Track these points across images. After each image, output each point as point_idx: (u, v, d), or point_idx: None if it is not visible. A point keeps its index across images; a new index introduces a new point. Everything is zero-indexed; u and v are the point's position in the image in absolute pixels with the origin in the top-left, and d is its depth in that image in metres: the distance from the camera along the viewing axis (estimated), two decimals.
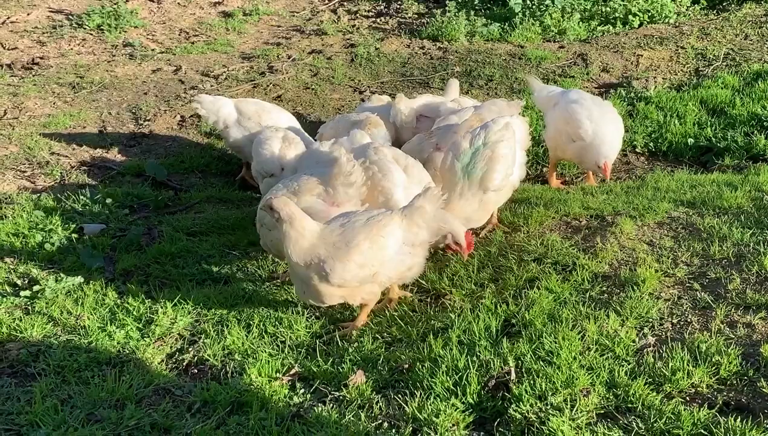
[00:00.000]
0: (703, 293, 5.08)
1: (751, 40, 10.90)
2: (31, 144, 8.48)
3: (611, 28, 12.04)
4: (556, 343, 4.61)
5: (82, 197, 7.26)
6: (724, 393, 4.18)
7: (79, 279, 5.83)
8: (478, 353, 4.61)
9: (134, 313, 5.40)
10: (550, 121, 7.50)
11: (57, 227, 6.56)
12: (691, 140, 8.28)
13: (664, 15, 12.14)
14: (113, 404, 4.47)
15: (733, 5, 12.44)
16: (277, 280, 5.91)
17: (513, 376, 4.40)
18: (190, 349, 5.08)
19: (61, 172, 8.02)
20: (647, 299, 5.03)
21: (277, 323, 5.25)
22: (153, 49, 11.84)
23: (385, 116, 7.45)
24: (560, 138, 7.27)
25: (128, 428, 4.26)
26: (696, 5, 12.68)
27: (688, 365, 4.34)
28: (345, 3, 14.04)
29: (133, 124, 9.34)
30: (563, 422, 3.98)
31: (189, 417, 4.37)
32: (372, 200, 5.61)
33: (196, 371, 4.89)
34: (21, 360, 4.92)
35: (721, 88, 9.18)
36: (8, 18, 12.72)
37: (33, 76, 10.59)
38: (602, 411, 4.13)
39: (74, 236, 6.48)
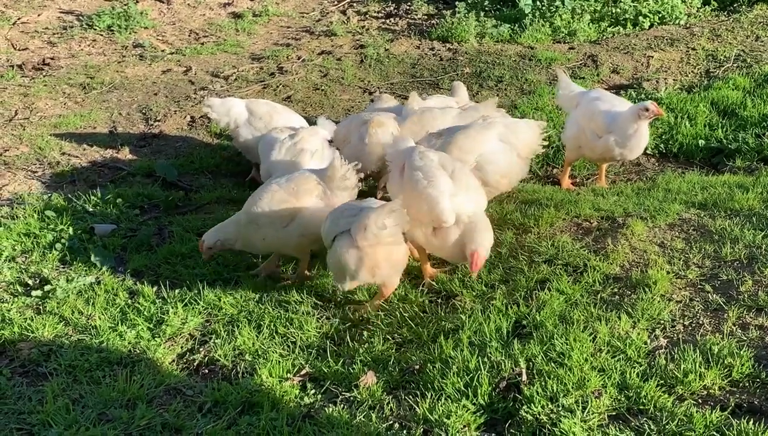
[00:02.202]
0: (714, 295, 5.07)
1: (762, 41, 10.85)
2: (41, 144, 8.51)
3: (621, 29, 12.00)
4: (567, 344, 4.61)
5: (92, 197, 7.27)
6: (737, 395, 4.18)
7: (90, 279, 5.85)
8: (489, 354, 4.60)
9: (145, 313, 5.42)
10: (571, 122, 7.47)
11: (68, 227, 6.57)
12: (701, 142, 8.24)
13: (674, 16, 12.10)
14: (124, 404, 4.49)
15: (744, 6, 12.38)
16: (287, 281, 5.91)
17: (524, 377, 4.40)
18: (200, 349, 5.09)
19: (71, 173, 8.03)
20: (659, 301, 5.01)
21: (287, 323, 5.25)
22: (163, 50, 11.86)
23: (398, 117, 7.44)
24: (584, 136, 7.25)
25: (139, 428, 4.28)
26: (707, 6, 12.63)
27: (700, 367, 4.34)
28: (354, 4, 14.04)
29: (143, 124, 9.36)
30: (575, 423, 3.98)
31: (200, 417, 4.39)
32: (417, 209, 5.31)
33: (206, 371, 4.90)
34: (32, 360, 4.94)
35: (732, 90, 9.14)
36: (19, 19, 12.76)
37: (43, 76, 10.62)
38: (614, 413, 4.13)
39: (85, 236, 6.49)
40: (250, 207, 5.80)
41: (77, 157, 8.41)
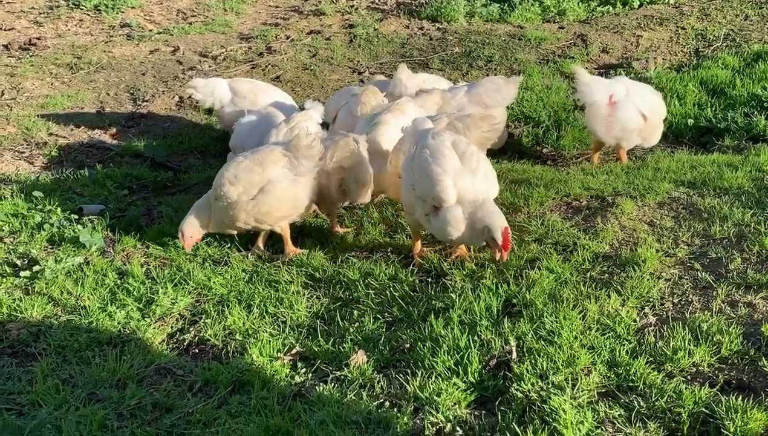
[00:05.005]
0: (704, 273, 5.09)
1: (752, 20, 10.85)
2: (29, 125, 8.45)
3: (611, 8, 11.98)
4: (557, 322, 4.62)
5: (80, 178, 7.24)
6: (726, 372, 4.20)
7: (79, 260, 5.82)
8: (480, 333, 4.61)
9: (134, 293, 5.40)
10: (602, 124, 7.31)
11: (56, 207, 6.54)
12: (691, 121, 8.26)
13: None
14: (114, 384, 4.49)
15: None
16: (277, 261, 5.89)
17: (514, 355, 4.41)
18: (190, 329, 5.08)
19: (59, 153, 7.99)
20: (648, 279, 5.03)
21: (277, 303, 5.24)
22: (150, 30, 11.77)
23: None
24: (632, 133, 7.26)
25: (130, 408, 4.27)
26: None
27: (689, 345, 4.35)
28: None
29: (131, 104, 9.30)
30: (564, 400, 3.98)
31: (191, 396, 4.38)
32: (422, 187, 5.35)
33: (197, 350, 4.90)
34: (21, 340, 4.92)
35: (722, 69, 9.14)
36: None
37: (30, 56, 10.53)
38: (603, 390, 4.14)
39: (73, 216, 6.45)
40: (217, 181, 5.85)
41: (65, 137, 8.37)
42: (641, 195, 6.14)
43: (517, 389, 4.13)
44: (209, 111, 8.89)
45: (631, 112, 7.18)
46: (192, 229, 5.85)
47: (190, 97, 9.25)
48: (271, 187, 5.75)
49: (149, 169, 7.72)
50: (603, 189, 6.34)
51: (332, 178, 6.02)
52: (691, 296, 4.89)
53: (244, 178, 5.74)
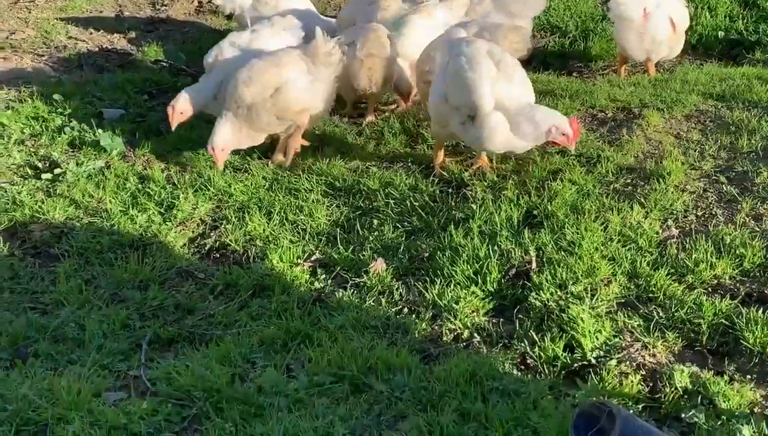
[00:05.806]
0: (729, 186, 5.02)
1: None
2: (48, 28, 8.37)
3: None
4: (578, 234, 4.59)
5: (100, 82, 7.19)
6: (747, 285, 4.18)
7: (100, 163, 5.83)
8: (499, 243, 4.60)
9: (156, 197, 5.41)
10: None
11: (77, 111, 6.52)
12: (721, 33, 8.04)
13: None
14: (137, 285, 4.55)
15: None
16: (297, 169, 5.86)
17: (534, 265, 4.41)
18: (211, 234, 5.11)
19: (78, 57, 7.92)
20: (672, 192, 4.97)
21: (297, 211, 5.24)
22: None
23: None
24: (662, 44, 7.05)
25: (152, 308, 4.35)
26: None
27: (711, 257, 4.32)
28: None
29: (150, 8, 9.17)
30: (583, 310, 3.99)
31: (212, 299, 4.45)
32: (458, 96, 5.18)
33: (218, 255, 4.94)
34: (44, 241, 4.98)
35: None
36: None
37: None
38: (623, 300, 4.14)
39: (94, 120, 6.43)
40: (231, 86, 5.67)
41: (84, 41, 8.29)
42: (668, 107, 6.02)
43: (535, 298, 4.14)
44: (229, 17, 8.74)
45: (662, 22, 6.98)
46: (224, 139, 5.62)
47: (209, 2, 9.11)
48: (286, 89, 5.65)
49: (169, 75, 7.65)
50: (629, 101, 6.22)
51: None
52: (715, 209, 4.84)
53: (259, 79, 5.64)
